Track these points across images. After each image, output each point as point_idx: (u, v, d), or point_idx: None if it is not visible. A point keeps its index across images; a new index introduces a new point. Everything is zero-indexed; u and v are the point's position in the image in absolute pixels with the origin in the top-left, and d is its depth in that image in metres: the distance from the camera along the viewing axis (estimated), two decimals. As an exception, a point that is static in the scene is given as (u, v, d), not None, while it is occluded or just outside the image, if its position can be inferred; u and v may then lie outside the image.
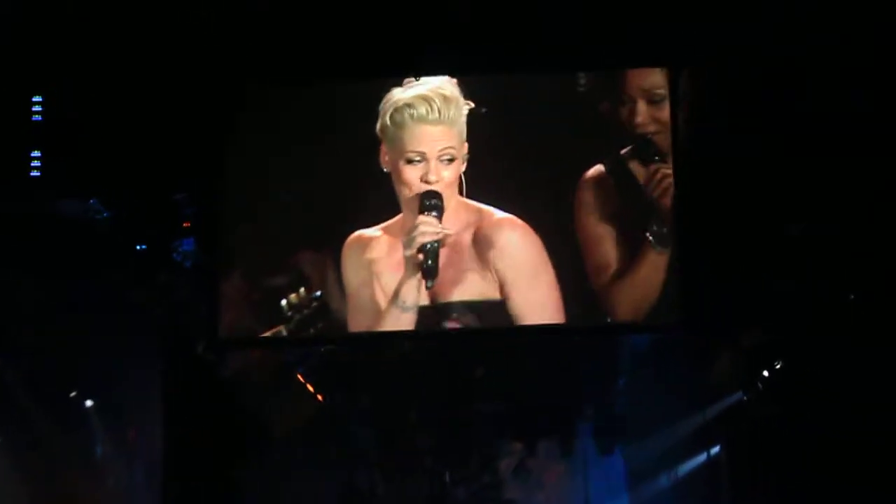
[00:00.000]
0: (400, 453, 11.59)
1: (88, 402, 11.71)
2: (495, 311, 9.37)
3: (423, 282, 9.15)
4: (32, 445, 11.50)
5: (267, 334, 9.52)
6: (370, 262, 9.45)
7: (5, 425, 11.40)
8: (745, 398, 11.29)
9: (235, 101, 9.74)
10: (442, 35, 9.42)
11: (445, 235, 9.16)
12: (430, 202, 9.13)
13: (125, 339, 11.11)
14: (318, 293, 9.45)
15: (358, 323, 9.48)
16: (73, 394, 11.64)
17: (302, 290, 9.49)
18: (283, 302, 9.51)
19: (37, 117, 9.45)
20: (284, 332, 9.52)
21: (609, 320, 9.53)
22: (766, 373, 10.98)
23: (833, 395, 10.14)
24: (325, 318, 9.51)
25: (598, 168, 9.56)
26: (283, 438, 11.80)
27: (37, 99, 9.45)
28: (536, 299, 9.41)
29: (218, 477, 10.83)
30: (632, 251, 9.51)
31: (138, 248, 10.18)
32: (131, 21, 9.34)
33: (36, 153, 9.39)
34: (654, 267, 9.46)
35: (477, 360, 11.15)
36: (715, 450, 11.59)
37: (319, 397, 12.08)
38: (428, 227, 9.11)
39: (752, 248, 9.93)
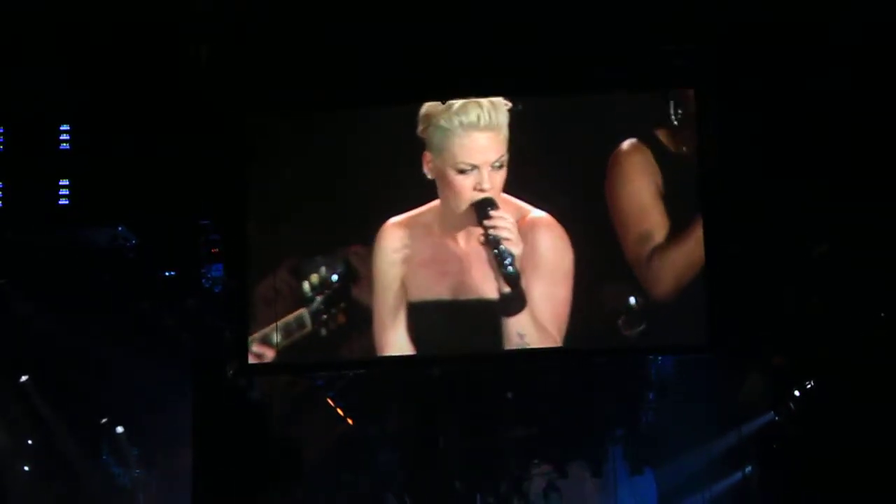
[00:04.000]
0: (429, 476, 11.58)
1: (119, 429, 11.81)
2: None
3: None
4: (63, 471, 11.60)
5: (290, 318, 9.48)
6: (402, 252, 9.43)
7: (36, 452, 11.51)
8: (776, 418, 11.24)
9: (256, 128, 9.77)
10: (475, 58, 9.42)
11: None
12: (490, 208, 9.14)
13: (155, 365, 11.20)
14: (338, 274, 9.46)
15: (382, 312, 9.45)
16: (103, 420, 11.75)
17: (323, 269, 9.50)
18: (305, 284, 9.50)
19: (64, 146, 9.46)
20: (307, 315, 9.49)
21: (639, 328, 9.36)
22: (797, 392, 10.92)
23: (865, 414, 10.05)
24: (347, 298, 9.50)
25: (632, 141, 9.44)
26: (313, 462, 11.83)
27: (64, 128, 9.46)
28: (550, 299, 9.30)
29: (247, 501, 10.80)
30: (677, 223, 9.37)
31: (167, 274, 10.18)
32: (157, 50, 9.39)
33: (64, 182, 9.40)
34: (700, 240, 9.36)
35: (506, 383, 11.12)
36: (746, 470, 11.54)
37: (349, 421, 12.11)
38: (505, 224, 9.15)
39: (781, 268, 9.86)
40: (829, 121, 9.33)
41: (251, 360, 9.62)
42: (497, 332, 9.30)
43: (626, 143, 9.46)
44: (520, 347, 9.29)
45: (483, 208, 9.19)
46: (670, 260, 9.34)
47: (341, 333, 9.52)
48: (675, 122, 9.47)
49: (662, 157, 9.44)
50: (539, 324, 9.26)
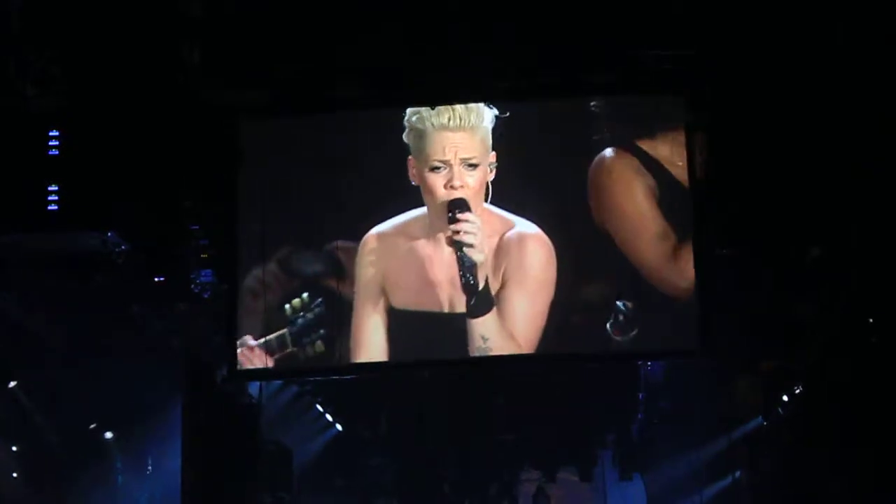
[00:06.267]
0: (420, 480, 11.60)
1: (108, 434, 11.80)
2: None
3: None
4: (52, 477, 11.58)
5: (271, 337, 9.49)
6: (384, 261, 9.46)
7: (26, 456, 11.49)
8: (764, 423, 11.26)
9: (245, 134, 9.77)
10: (459, 62, 9.41)
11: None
12: (458, 210, 9.16)
13: (145, 370, 11.19)
14: (321, 298, 9.47)
15: (363, 318, 9.47)
16: (93, 425, 11.73)
17: (305, 294, 9.51)
18: (287, 306, 9.52)
19: (53, 151, 9.42)
20: (288, 336, 9.49)
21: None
22: (785, 397, 10.95)
23: (854, 419, 10.09)
24: (328, 323, 9.50)
25: (617, 148, 9.48)
26: (302, 467, 11.83)
27: (53, 133, 9.42)
28: (526, 310, 9.32)
29: (237, 504, 10.82)
30: (681, 224, 9.38)
31: (157, 279, 10.15)
32: (147, 53, 9.35)
33: (53, 187, 9.36)
34: None
35: (496, 388, 11.13)
36: (735, 475, 11.57)
37: (338, 426, 12.13)
38: (470, 228, 9.16)
39: (771, 272, 9.87)
40: (826, 124, 9.33)
41: (240, 365, 9.62)
42: (462, 336, 9.29)
43: (611, 150, 9.49)
44: (483, 352, 9.29)
45: (452, 209, 9.20)
46: (686, 258, 9.34)
47: (324, 350, 9.53)
48: (664, 128, 9.50)
49: (650, 163, 9.45)
50: (506, 331, 9.28)
